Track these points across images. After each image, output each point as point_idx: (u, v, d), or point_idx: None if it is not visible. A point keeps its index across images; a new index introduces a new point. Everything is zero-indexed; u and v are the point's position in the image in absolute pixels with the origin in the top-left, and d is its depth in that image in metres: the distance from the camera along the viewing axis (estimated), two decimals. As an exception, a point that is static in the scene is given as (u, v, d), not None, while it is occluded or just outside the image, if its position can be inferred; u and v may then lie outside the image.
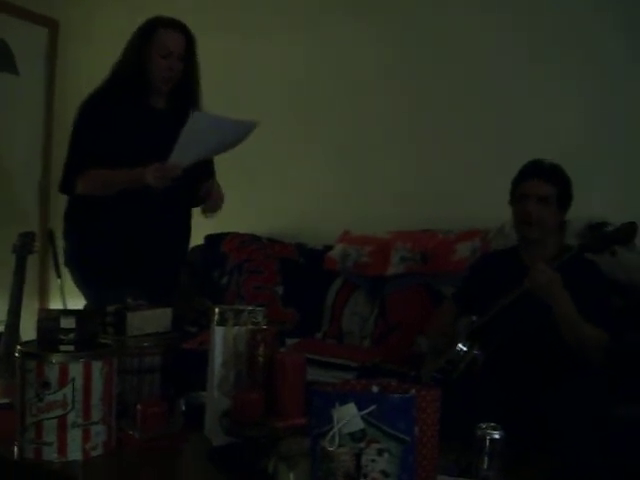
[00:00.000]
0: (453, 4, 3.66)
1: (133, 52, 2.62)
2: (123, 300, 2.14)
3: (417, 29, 3.76)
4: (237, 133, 2.57)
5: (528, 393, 2.28)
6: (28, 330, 3.11)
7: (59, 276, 4.33)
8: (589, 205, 2.81)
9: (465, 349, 2.51)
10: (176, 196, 2.64)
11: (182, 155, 2.45)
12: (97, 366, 1.69)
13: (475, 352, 2.50)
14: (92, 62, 4.19)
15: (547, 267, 2.34)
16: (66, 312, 1.78)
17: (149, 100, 2.69)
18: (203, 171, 2.73)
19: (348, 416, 1.40)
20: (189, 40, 2.65)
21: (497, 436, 1.67)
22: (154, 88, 2.66)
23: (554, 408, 2.16)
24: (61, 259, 3.94)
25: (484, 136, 3.54)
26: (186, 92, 2.71)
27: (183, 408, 2.13)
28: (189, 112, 2.56)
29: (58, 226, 4.11)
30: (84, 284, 2.75)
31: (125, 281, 2.51)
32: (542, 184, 2.50)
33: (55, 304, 4.65)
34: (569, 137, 3.29)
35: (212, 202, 2.73)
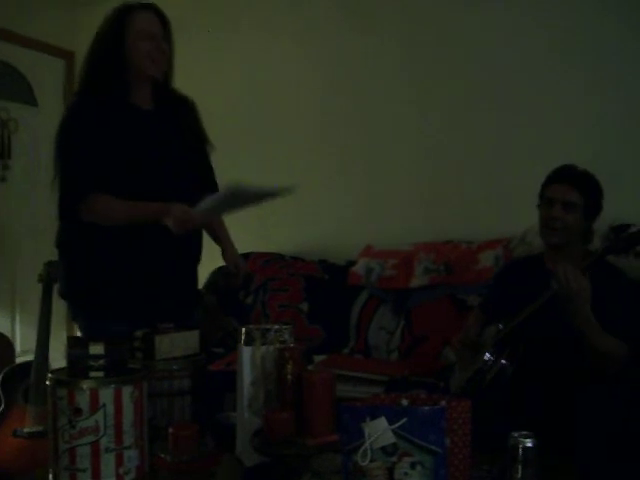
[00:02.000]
0: (468, 12, 3.67)
1: (109, 43, 2.31)
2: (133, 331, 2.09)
3: (432, 40, 3.79)
4: (266, 197, 2.39)
5: (558, 400, 2.26)
6: (56, 358, 3.14)
7: (85, 303, 4.36)
8: (612, 207, 2.79)
9: (492, 358, 2.49)
10: None
11: (205, 211, 2.28)
12: (127, 391, 1.70)
13: (503, 361, 2.48)
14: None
15: (580, 273, 2.30)
16: (95, 339, 1.79)
17: (133, 100, 2.37)
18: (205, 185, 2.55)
19: (379, 430, 1.41)
20: (164, 23, 2.38)
21: (530, 444, 1.65)
22: (137, 83, 2.36)
23: (584, 415, 2.14)
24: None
25: (503, 146, 3.54)
26: (166, 83, 2.43)
27: (214, 430, 2.13)
28: (180, 102, 2.45)
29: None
30: (85, 316, 2.46)
31: (133, 313, 2.33)
32: (569, 190, 2.47)
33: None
34: (590, 139, 3.28)
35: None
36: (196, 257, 2.61)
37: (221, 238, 2.67)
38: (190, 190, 2.39)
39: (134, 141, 2.32)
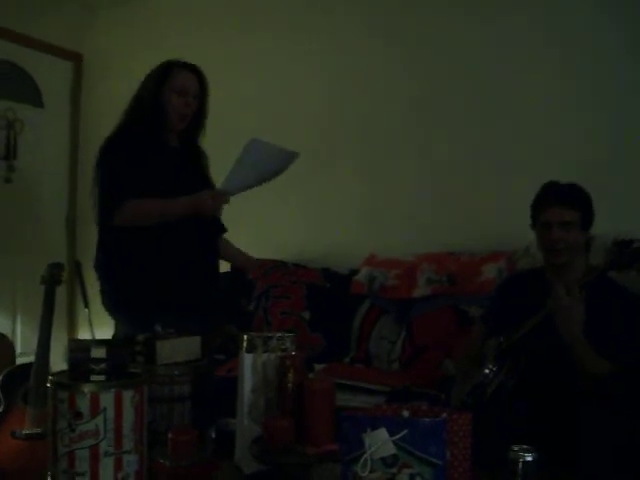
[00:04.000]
0: (480, 28, 3.69)
1: (149, 91, 2.67)
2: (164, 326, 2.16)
3: (443, 56, 3.80)
4: (282, 162, 2.64)
5: (560, 413, 2.25)
6: (57, 360, 3.14)
7: (86, 306, 4.35)
8: (616, 221, 2.79)
9: (493, 372, 2.49)
10: (205, 226, 2.71)
11: (231, 183, 2.56)
12: (128, 395, 1.69)
13: (503, 375, 2.47)
14: (114, 94, 4.25)
15: (574, 294, 2.33)
16: (97, 342, 1.79)
17: (165, 137, 2.73)
18: None
19: (379, 441, 1.40)
20: (202, 81, 2.73)
21: (530, 458, 1.64)
22: (169, 126, 2.70)
23: (588, 428, 2.13)
24: (89, 290, 3.98)
25: (506, 157, 3.55)
26: (195, 130, 2.78)
27: (213, 436, 2.13)
28: (199, 148, 2.80)
29: (85, 257, 4.17)
30: (126, 324, 2.70)
31: (163, 309, 2.49)
32: (564, 211, 2.46)
33: (83, 334, 4.69)
34: (593, 152, 3.29)
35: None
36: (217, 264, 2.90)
37: (231, 252, 2.97)
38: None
39: (162, 172, 2.62)
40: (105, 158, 2.65)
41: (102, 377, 1.71)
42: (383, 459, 1.40)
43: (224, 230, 2.89)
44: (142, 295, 2.61)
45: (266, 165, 2.58)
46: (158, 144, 2.68)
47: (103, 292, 2.74)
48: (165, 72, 2.68)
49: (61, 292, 3.35)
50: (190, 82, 2.69)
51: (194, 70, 2.73)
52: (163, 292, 2.59)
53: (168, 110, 2.66)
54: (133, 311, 2.61)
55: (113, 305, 2.72)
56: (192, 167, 2.77)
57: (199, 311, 2.64)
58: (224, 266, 3.04)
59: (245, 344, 1.97)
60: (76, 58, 4.93)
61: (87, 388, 1.65)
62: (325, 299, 3.71)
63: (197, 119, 2.75)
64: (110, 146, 2.66)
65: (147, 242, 2.59)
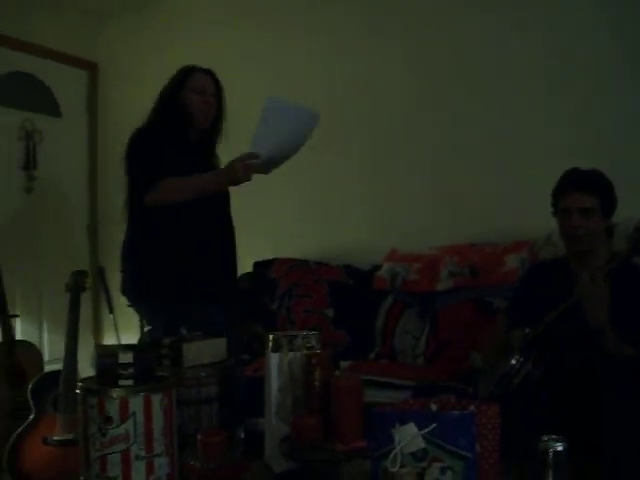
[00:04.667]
0: (481, 28, 3.68)
1: (172, 92, 2.81)
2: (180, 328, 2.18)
3: (447, 51, 3.80)
4: (305, 123, 2.67)
5: (585, 401, 2.24)
6: (85, 366, 3.17)
7: (111, 312, 4.39)
8: (637, 208, 2.77)
9: (520, 362, 2.48)
10: (224, 216, 2.85)
11: (258, 144, 2.57)
12: (157, 399, 1.71)
13: (529, 365, 2.46)
14: (130, 100, 4.29)
15: (599, 281, 2.31)
16: (123, 347, 1.80)
17: (188, 137, 2.82)
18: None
19: (409, 436, 1.41)
20: (217, 84, 2.86)
21: (561, 448, 1.64)
22: (194, 124, 2.80)
23: (609, 417, 2.12)
24: (114, 295, 4.01)
25: (524, 145, 3.53)
26: (213, 130, 2.88)
27: (242, 436, 2.14)
28: (213, 149, 2.89)
29: (108, 264, 4.20)
30: (149, 305, 2.77)
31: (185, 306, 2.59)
32: (584, 197, 2.45)
33: (108, 339, 4.72)
34: (613, 139, 3.27)
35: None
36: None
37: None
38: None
39: (183, 166, 2.66)
40: (135, 145, 2.74)
41: (130, 382, 1.73)
42: (413, 454, 1.40)
43: None
44: (163, 275, 2.65)
45: (288, 124, 2.59)
46: (179, 139, 2.77)
47: (125, 273, 2.78)
48: (185, 75, 2.82)
49: (86, 298, 3.39)
50: (207, 83, 2.82)
51: (209, 73, 2.86)
52: (183, 272, 2.65)
53: (192, 109, 2.77)
54: (152, 293, 2.68)
55: (133, 287, 2.77)
56: (208, 159, 2.88)
57: (219, 299, 2.72)
58: (246, 266, 3.06)
59: (271, 343, 1.98)
60: (91, 67, 4.96)
61: (116, 393, 1.67)
62: (348, 296, 3.71)
63: (216, 120, 2.86)
64: (140, 135, 2.76)
65: (171, 221, 2.64)
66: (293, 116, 2.61)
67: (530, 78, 3.53)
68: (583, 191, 2.46)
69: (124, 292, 2.79)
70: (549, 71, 3.47)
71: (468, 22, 3.71)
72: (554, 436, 1.66)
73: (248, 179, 2.58)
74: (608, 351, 2.30)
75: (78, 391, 1.71)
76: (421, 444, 1.39)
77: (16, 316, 3.93)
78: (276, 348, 1.96)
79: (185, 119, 2.77)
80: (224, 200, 2.86)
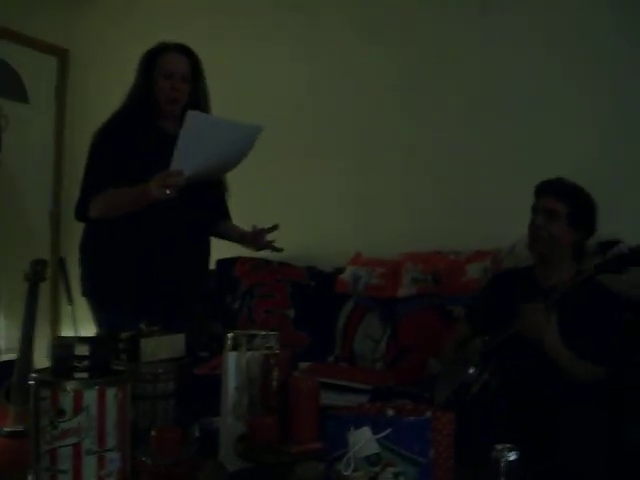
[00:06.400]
0: (480, 28, 3.68)
1: (140, 77, 2.67)
2: (138, 325, 2.14)
3: (429, 44, 3.80)
4: (239, 138, 2.54)
5: (539, 411, 2.26)
6: (40, 357, 3.12)
7: (70, 303, 4.34)
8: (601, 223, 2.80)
9: (477, 371, 2.49)
10: (192, 216, 2.68)
11: (184, 161, 2.37)
12: (111, 393, 1.68)
13: (487, 374, 2.48)
14: (101, 89, 4.24)
15: (537, 309, 2.36)
16: (80, 339, 1.78)
17: (162, 124, 2.69)
18: (213, 190, 2.81)
19: (363, 440, 1.40)
20: (194, 63, 2.68)
21: (513, 457, 1.65)
22: (163, 111, 2.67)
23: (565, 426, 2.14)
24: (73, 286, 3.96)
25: (492, 158, 3.55)
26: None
27: (197, 434, 2.12)
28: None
29: (69, 254, 4.15)
30: (102, 312, 2.73)
31: (143, 306, 2.52)
32: (552, 200, 2.51)
33: (66, 331, 4.66)
34: (584, 155, 3.29)
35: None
36: (206, 256, 2.89)
37: (236, 231, 2.94)
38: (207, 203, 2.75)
39: (154, 157, 2.47)
40: (92, 149, 2.66)
41: (85, 374, 1.70)
42: (367, 458, 1.40)
43: (224, 216, 2.93)
44: (121, 277, 2.63)
45: (217, 141, 2.44)
46: (151, 130, 2.65)
47: (84, 276, 2.76)
48: (153, 56, 2.67)
49: (45, 288, 3.34)
50: (176, 65, 2.64)
51: (185, 51, 2.68)
52: (142, 275, 2.62)
53: (157, 94, 2.63)
54: (111, 294, 2.66)
55: (91, 288, 2.74)
56: None
57: (179, 300, 2.71)
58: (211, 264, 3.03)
59: (229, 342, 1.97)
60: (61, 53, 4.90)
61: (70, 385, 1.64)
62: (310, 297, 3.71)
63: (196, 102, 2.67)
64: (99, 135, 2.66)
65: (130, 224, 2.57)
66: (220, 130, 2.45)
67: (513, 91, 3.54)
68: (555, 196, 2.51)
69: (81, 283, 2.78)
70: (537, 83, 3.48)
71: (467, 22, 3.71)
72: (508, 445, 1.67)
73: (168, 197, 2.35)
74: (564, 370, 2.32)
75: (31, 382, 1.68)
76: (375, 448, 1.39)
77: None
78: (235, 347, 1.95)
79: (151, 106, 2.65)
80: (195, 199, 2.61)
